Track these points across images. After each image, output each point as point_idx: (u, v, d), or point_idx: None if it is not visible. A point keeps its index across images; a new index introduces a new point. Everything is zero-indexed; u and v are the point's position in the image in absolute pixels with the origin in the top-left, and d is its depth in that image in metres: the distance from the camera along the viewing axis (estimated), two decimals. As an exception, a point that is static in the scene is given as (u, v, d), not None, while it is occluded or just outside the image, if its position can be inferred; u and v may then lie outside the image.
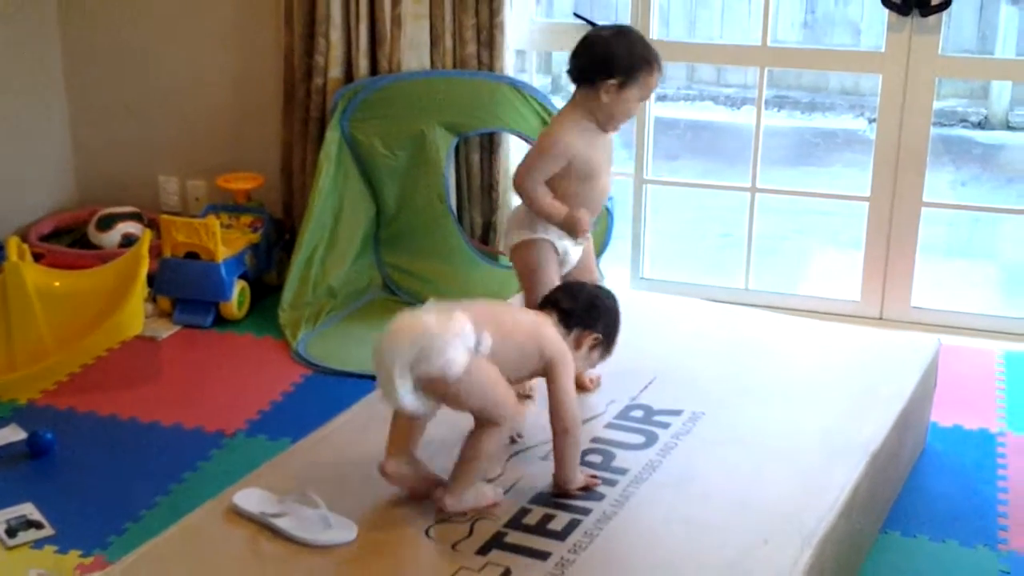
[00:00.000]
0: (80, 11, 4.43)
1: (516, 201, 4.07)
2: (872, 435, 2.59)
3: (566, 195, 2.68)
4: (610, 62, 2.61)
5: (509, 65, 3.93)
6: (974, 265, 5.15)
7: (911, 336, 3.27)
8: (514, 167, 3.99)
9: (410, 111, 3.90)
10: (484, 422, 2.27)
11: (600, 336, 2.45)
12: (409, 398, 2.17)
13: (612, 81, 2.60)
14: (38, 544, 2.66)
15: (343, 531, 2.21)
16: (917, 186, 3.80)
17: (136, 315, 3.60)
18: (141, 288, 3.59)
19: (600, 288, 2.57)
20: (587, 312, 2.43)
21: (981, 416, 3.27)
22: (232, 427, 3.19)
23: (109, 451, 3.09)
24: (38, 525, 2.71)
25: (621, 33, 2.68)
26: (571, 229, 2.68)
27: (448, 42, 3.89)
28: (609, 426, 2.62)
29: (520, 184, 2.71)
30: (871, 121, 7.03)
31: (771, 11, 3.89)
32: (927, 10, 3.60)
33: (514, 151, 4.03)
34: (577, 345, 2.40)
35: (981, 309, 4.15)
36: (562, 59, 8.18)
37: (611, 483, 2.39)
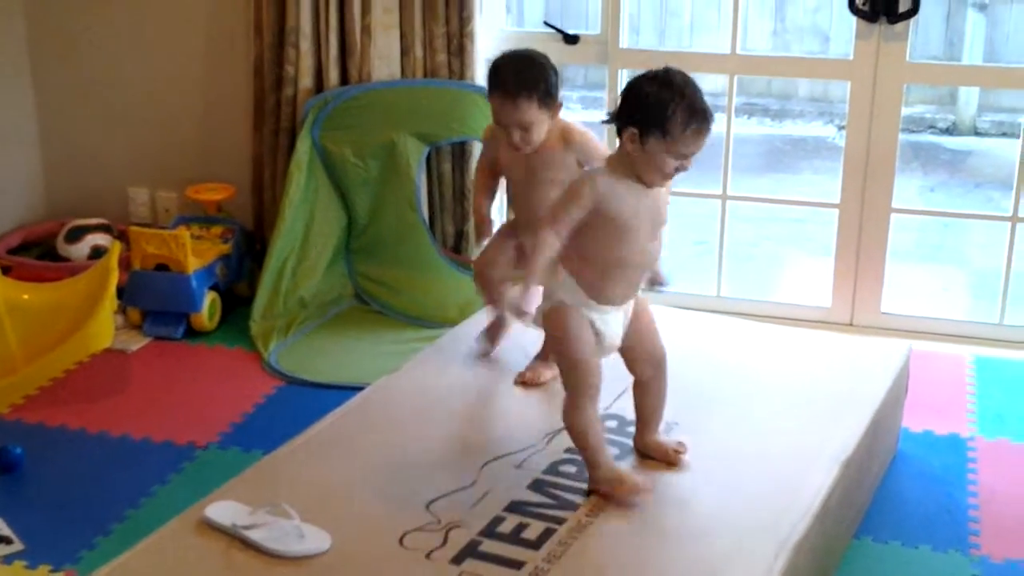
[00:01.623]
0: (49, 23, 4.40)
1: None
2: (844, 441, 2.60)
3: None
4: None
5: (480, 74, 3.93)
6: (944, 270, 5.18)
7: (882, 342, 3.29)
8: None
9: (381, 121, 3.89)
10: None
11: (636, 129, 2.25)
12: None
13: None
14: (8, 559, 2.63)
15: (317, 542, 2.20)
16: (886, 192, 3.82)
17: (106, 327, 3.56)
18: (111, 300, 3.55)
19: (644, 75, 2.30)
20: (620, 110, 2.29)
21: (952, 421, 3.28)
22: (204, 439, 3.17)
23: (79, 465, 3.06)
24: (7, 540, 2.69)
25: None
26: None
27: (418, 51, 3.89)
28: (583, 435, 2.62)
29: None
30: (840, 128, 7.07)
31: (740, 19, 3.90)
32: (895, 17, 3.63)
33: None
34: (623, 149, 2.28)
35: (951, 314, 4.18)
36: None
37: (585, 493, 2.39)
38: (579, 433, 2.40)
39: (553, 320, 2.40)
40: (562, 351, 2.41)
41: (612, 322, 2.42)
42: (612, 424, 2.68)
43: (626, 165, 2.31)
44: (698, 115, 2.25)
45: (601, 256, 2.34)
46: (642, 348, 2.51)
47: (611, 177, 2.31)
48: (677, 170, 2.30)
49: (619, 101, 2.32)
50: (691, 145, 2.26)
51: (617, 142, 2.32)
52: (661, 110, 2.22)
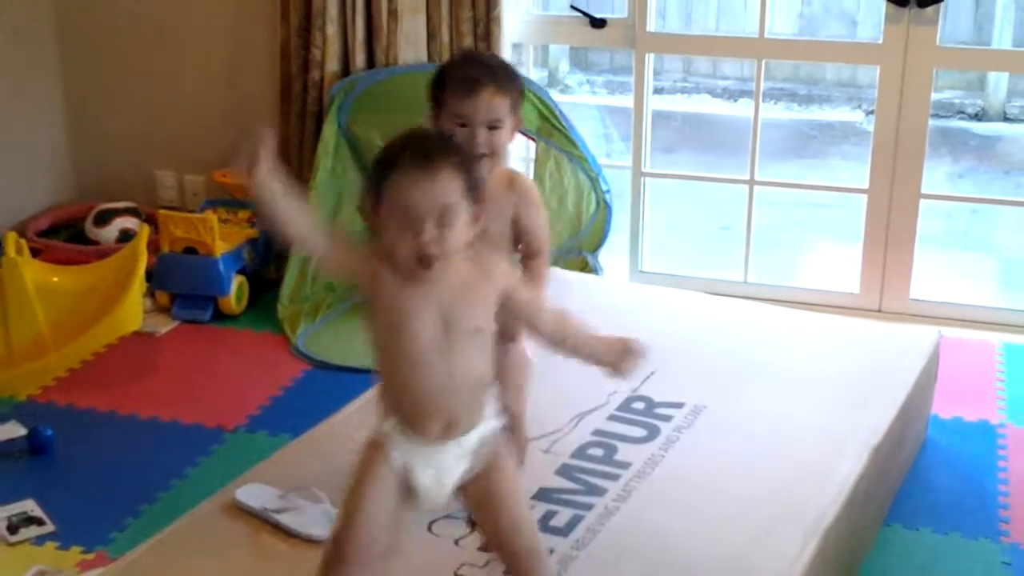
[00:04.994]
0: (77, 8, 4.42)
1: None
2: (874, 428, 2.59)
3: None
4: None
5: (507, 58, 3.92)
6: (972, 257, 5.14)
7: (912, 328, 3.28)
8: (512, 161, 4.03)
9: (408, 105, 3.85)
10: None
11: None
12: None
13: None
14: (39, 540, 2.65)
15: (346, 526, 2.20)
16: (915, 178, 3.80)
17: (134, 311, 3.59)
18: (139, 283, 3.58)
19: None
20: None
21: (981, 408, 3.26)
22: (232, 423, 3.19)
23: (109, 447, 3.08)
24: (39, 521, 2.71)
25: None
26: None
27: (445, 35, 3.88)
28: (611, 418, 2.62)
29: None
30: (868, 113, 7.02)
31: (768, 3, 3.87)
32: (925, 1, 3.60)
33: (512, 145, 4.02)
34: None
35: (980, 301, 4.15)
36: (559, 52, 8.21)
37: (613, 477, 2.40)
38: None
39: (359, 456, 1.88)
40: (346, 495, 1.87)
41: (441, 467, 1.85)
42: (639, 406, 2.68)
43: None
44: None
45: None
46: (498, 527, 1.89)
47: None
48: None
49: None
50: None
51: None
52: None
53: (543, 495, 2.33)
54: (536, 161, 3.92)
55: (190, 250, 3.81)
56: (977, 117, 7.44)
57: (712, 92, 7.90)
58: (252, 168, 1.71)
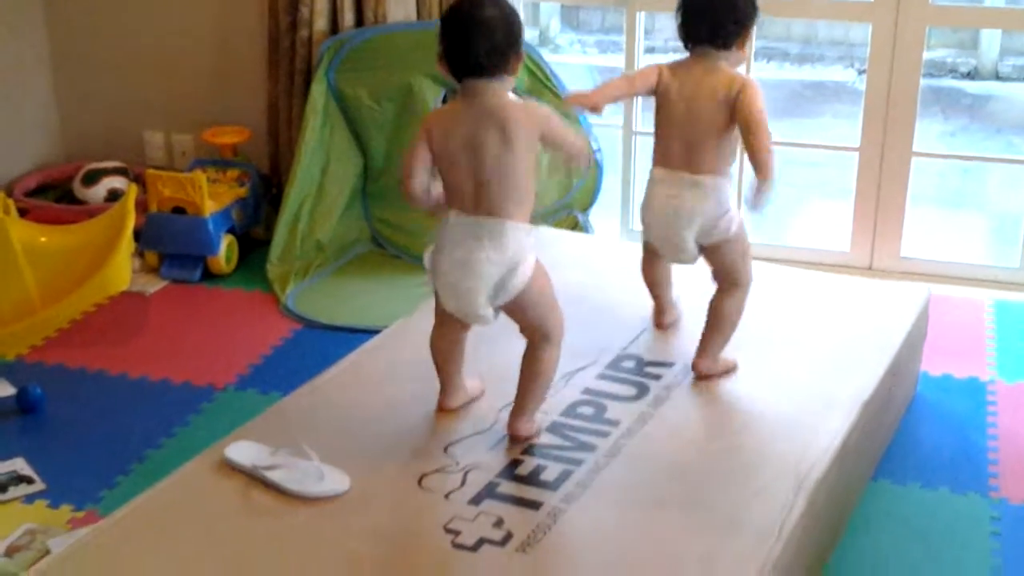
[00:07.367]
0: (62, -37, 4.38)
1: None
2: (863, 384, 2.59)
3: None
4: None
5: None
6: (963, 215, 5.14)
7: (901, 286, 3.27)
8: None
9: (397, 63, 3.86)
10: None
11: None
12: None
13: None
14: (29, 499, 2.65)
15: (336, 483, 2.21)
16: (907, 136, 3.79)
17: (123, 270, 3.58)
18: (128, 243, 3.57)
19: None
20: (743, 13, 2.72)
21: (971, 365, 3.27)
22: (222, 381, 3.18)
23: (99, 406, 3.08)
24: (29, 480, 2.71)
25: None
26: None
27: (435, -7, 3.86)
28: (601, 376, 2.62)
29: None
30: (860, 72, 7.00)
31: (761, -41, 3.84)
32: (918, -43, 3.58)
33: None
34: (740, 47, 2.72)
35: (971, 258, 4.15)
36: (550, 10, 8.15)
37: (603, 435, 2.40)
38: None
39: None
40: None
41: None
42: (629, 364, 2.68)
43: None
44: None
45: None
46: None
47: None
48: None
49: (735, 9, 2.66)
50: None
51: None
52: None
53: (533, 451, 2.33)
54: (526, 119, 3.89)
55: (179, 210, 3.79)
56: (970, 76, 7.41)
57: (704, 51, 7.85)
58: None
